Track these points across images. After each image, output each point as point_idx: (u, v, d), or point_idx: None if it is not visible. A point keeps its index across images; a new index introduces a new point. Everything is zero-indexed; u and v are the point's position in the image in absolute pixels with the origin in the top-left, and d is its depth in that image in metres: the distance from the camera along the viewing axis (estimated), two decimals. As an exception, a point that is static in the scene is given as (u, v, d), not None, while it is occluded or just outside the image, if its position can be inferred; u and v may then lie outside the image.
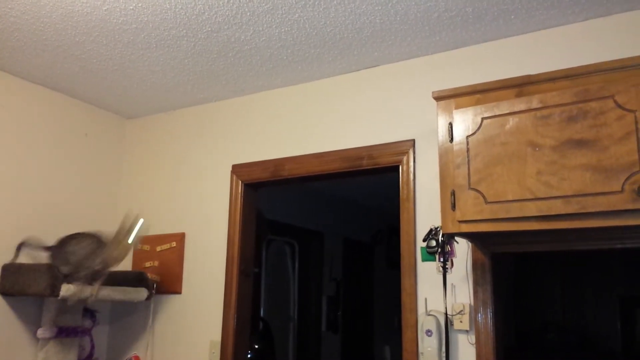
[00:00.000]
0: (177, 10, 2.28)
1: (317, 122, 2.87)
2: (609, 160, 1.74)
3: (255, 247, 3.08)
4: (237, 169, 3.04)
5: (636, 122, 1.73)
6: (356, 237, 5.98)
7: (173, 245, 3.12)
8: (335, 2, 2.20)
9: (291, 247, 5.14)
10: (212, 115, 3.24)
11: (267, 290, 4.75)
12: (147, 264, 3.19)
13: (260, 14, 2.29)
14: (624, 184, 1.70)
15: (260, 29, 2.41)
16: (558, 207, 1.79)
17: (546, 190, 1.82)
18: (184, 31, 2.45)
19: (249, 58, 2.69)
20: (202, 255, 3.06)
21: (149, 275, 3.04)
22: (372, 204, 5.79)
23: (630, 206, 1.69)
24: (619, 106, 1.76)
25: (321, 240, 5.49)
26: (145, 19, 2.36)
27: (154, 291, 3.01)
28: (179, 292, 3.07)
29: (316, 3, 2.21)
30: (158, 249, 3.17)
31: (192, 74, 2.89)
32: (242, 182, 3.00)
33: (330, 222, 5.58)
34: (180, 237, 3.12)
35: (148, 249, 3.21)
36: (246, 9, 2.27)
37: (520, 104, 1.93)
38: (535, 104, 1.90)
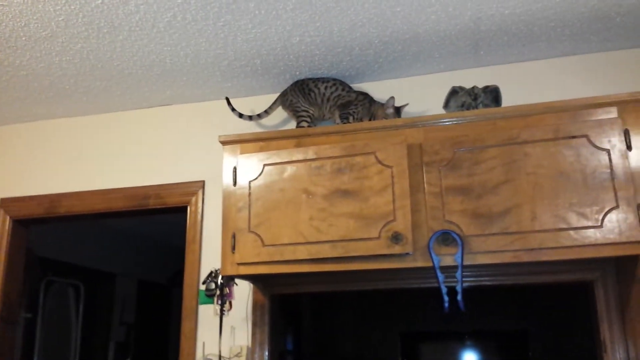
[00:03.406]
0: None
1: (103, 157, 2.73)
2: (369, 210, 1.93)
3: (27, 291, 2.77)
4: (6, 203, 2.73)
5: (392, 177, 1.94)
6: (152, 278, 5.73)
7: None
8: (120, 37, 2.14)
9: (76, 290, 4.73)
10: (-19, 143, 2.90)
11: (43, 338, 4.27)
12: None
13: (38, 39, 2.14)
14: (380, 231, 1.89)
15: (38, 55, 2.25)
16: (326, 251, 1.93)
17: (316, 235, 1.94)
18: (-56, 47, 2.18)
19: (26, 84, 2.48)
20: (-45, 301, 2.66)
21: None
22: (170, 243, 5.62)
23: (385, 251, 1.88)
24: (379, 162, 1.97)
25: (112, 281, 5.16)
26: None
27: None
28: None
29: (100, 35, 2.13)
30: None
31: (-44, 95, 2.57)
32: (10, 217, 2.70)
33: (124, 262, 5.28)
34: None
35: None
36: (21, 33, 2.10)
37: (298, 154, 2.05)
38: (310, 154, 2.04)
